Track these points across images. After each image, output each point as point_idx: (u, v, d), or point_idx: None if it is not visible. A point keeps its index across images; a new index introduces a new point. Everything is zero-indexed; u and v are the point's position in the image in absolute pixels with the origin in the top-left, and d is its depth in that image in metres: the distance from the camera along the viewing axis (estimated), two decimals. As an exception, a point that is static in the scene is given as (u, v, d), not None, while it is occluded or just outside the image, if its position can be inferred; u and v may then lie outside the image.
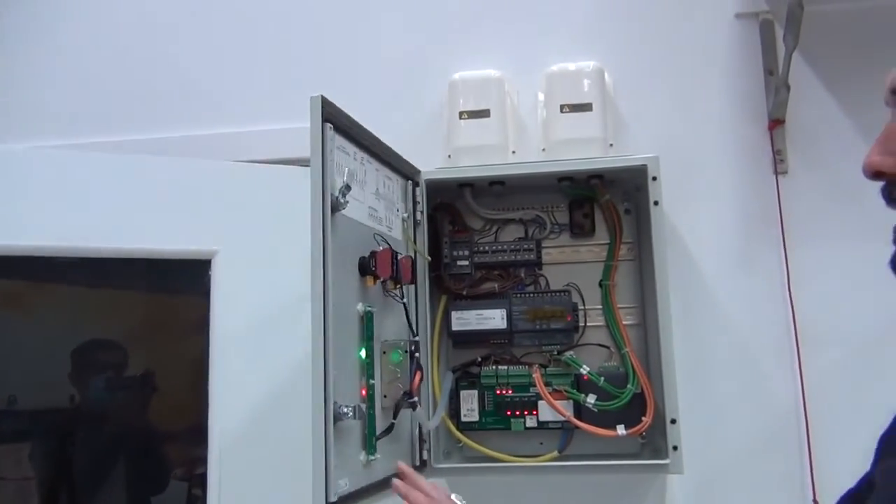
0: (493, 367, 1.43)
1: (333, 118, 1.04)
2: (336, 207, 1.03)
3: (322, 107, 1.01)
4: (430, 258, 1.39)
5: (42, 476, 1.50)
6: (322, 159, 1.00)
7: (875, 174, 0.62)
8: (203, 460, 1.39)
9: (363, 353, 1.10)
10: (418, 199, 1.37)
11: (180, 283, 1.57)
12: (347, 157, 1.10)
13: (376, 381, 1.12)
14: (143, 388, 1.56)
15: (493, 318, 1.42)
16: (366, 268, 1.11)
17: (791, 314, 1.44)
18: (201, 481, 1.40)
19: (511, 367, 1.42)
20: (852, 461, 1.43)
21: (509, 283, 1.46)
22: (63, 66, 1.73)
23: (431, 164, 1.44)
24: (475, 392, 1.43)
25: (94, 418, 1.56)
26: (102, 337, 1.57)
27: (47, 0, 1.75)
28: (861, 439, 1.41)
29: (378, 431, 1.11)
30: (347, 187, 1.03)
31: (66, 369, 1.51)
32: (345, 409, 0.98)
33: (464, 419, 1.42)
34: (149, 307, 1.64)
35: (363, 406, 1.04)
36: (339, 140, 1.07)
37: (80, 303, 1.58)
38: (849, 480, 1.39)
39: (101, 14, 1.73)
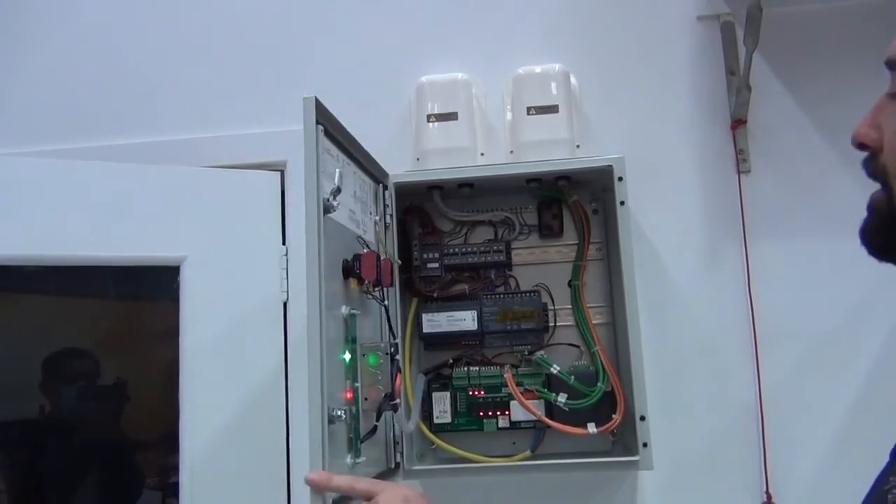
0: (465, 368, 1.44)
1: (325, 120, 1.04)
2: (327, 210, 1.03)
3: (316, 108, 1.01)
4: (400, 261, 1.39)
5: (13, 488, 1.49)
6: (316, 162, 1.00)
7: (859, 145, 0.64)
8: (176, 469, 1.38)
9: (347, 356, 1.10)
10: (387, 202, 1.38)
11: (150, 290, 1.56)
12: (333, 160, 1.10)
13: (360, 384, 1.12)
14: (115, 397, 1.55)
15: (464, 320, 1.42)
16: (350, 270, 1.11)
17: (751, 310, 1.47)
18: (175, 490, 1.39)
19: (483, 368, 1.43)
20: (806, 454, 1.48)
21: (480, 284, 1.47)
22: (28, 72, 1.71)
23: (400, 167, 1.45)
24: (447, 394, 1.43)
25: (66, 428, 1.55)
26: (73, 346, 1.56)
27: (13, 8, 1.73)
28: (816, 433, 1.47)
29: (362, 434, 1.11)
30: (338, 190, 1.04)
31: (36, 379, 1.50)
32: (338, 412, 0.99)
33: (436, 421, 1.42)
34: (119, 315, 1.63)
35: (352, 409, 1.03)
36: (326, 142, 1.08)
37: (50, 312, 1.56)
38: (802, 473, 1.43)
39: (67, 21, 1.71)
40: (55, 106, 1.68)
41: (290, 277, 1.49)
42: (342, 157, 1.16)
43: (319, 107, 1.03)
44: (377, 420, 1.14)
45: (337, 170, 1.07)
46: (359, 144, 1.22)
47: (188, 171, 1.47)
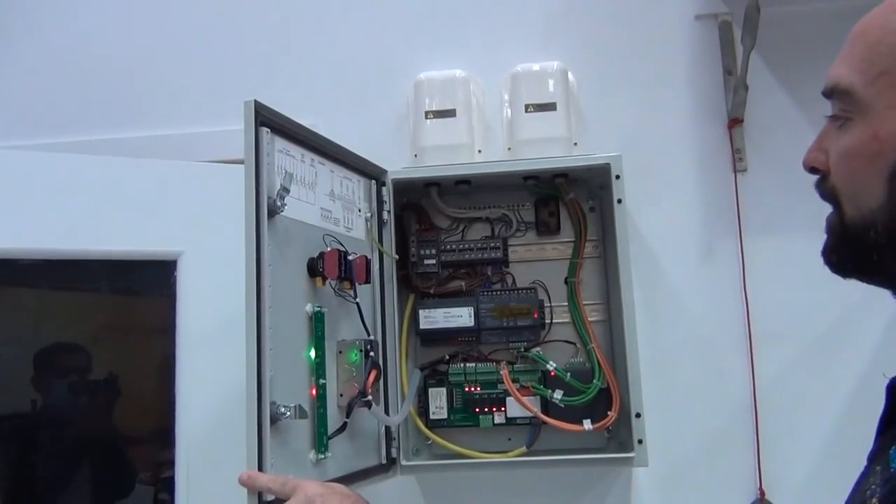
0: (461, 364, 1.44)
1: (271, 122, 1.05)
2: (273, 210, 1.03)
3: (256, 111, 1.02)
4: (397, 257, 1.39)
5: (4, 482, 1.48)
6: (256, 163, 1.01)
7: (811, 169, 0.67)
8: (169, 464, 1.38)
9: (312, 354, 1.11)
10: (385, 198, 1.37)
11: (145, 285, 1.56)
12: (292, 160, 1.11)
13: (328, 381, 1.13)
14: (108, 391, 1.54)
15: (461, 317, 1.43)
16: (314, 269, 1.12)
17: (746, 309, 1.47)
18: (167, 485, 1.38)
19: (479, 365, 1.44)
20: (799, 451, 1.49)
21: (476, 281, 1.48)
22: (23, 65, 1.70)
23: (398, 163, 1.45)
24: (443, 390, 1.43)
25: (58, 423, 1.54)
26: (66, 340, 1.55)
27: (8, 3, 1.72)
28: (809, 430, 1.47)
29: (333, 430, 1.11)
30: (285, 190, 1.04)
31: (28, 373, 1.49)
32: (282, 409, 0.99)
33: (432, 416, 1.43)
34: (113, 310, 1.62)
35: (305, 406, 1.04)
36: (282, 143, 1.08)
37: (43, 306, 1.55)
38: (795, 470, 1.44)
39: (62, 14, 1.70)
40: (50, 99, 1.68)
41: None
42: (310, 156, 1.16)
43: (263, 109, 1.03)
44: (347, 416, 1.14)
45: (285, 170, 1.07)
46: (333, 143, 1.22)
47: (185, 166, 1.46)
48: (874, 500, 0.56)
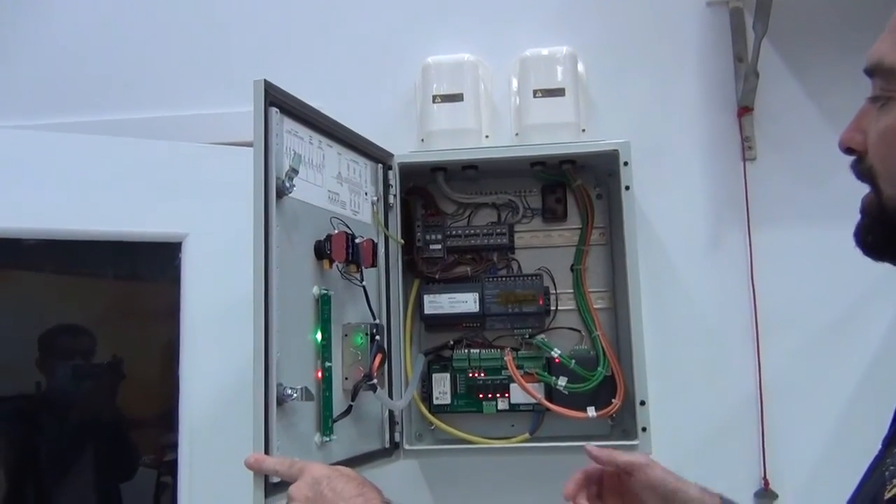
0: (466, 350, 1.43)
1: (281, 102, 1.04)
2: (282, 192, 1.03)
3: (266, 91, 1.01)
4: (402, 241, 1.39)
5: (8, 463, 1.48)
6: (265, 143, 1.00)
7: (847, 150, 0.66)
8: (172, 447, 1.38)
9: (319, 336, 1.10)
10: (391, 182, 1.37)
11: (149, 268, 1.56)
12: (301, 142, 1.10)
13: (334, 364, 1.12)
14: (111, 374, 1.54)
15: (466, 302, 1.42)
16: (321, 251, 1.11)
17: (753, 298, 1.46)
18: (170, 468, 1.39)
19: (483, 351, 1.43)
20: (804, 442, 1.49)
21: (482, 266, 1.47)
22: (26, 48, 1.69)
23: (404, 147, 1.44)
24: (447, 375, 1.43)
25: (61, 405, 1.54)
26: (70, 322, 1.55)
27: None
28: (815, 420, 1.47)
29: (338, 413, 1.11)
30: (294, 171, 1.03)
31: (32, 355, 1.49)
32: (289, 391, 0.99)
33: (436, 402, 1.42)
34: (117, 292, 1.62)
35: (311, 388, 1.03)
36: (291, 124, 1.07)
37: (48, 288, 1.55)
38: (800, 460, 1.43)
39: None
40: (57, 80, 1.67)
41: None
42: (318, 138, 1.15)
43: (273, 89, 1.02)
44: (352, 399, 1.14)
45: (294, 151, 1.06)
46: (342, 126, 1.21)
47: (190, 148, 1.46)
48: (892, 469, 0.57)
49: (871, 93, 0.64)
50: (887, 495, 0.55)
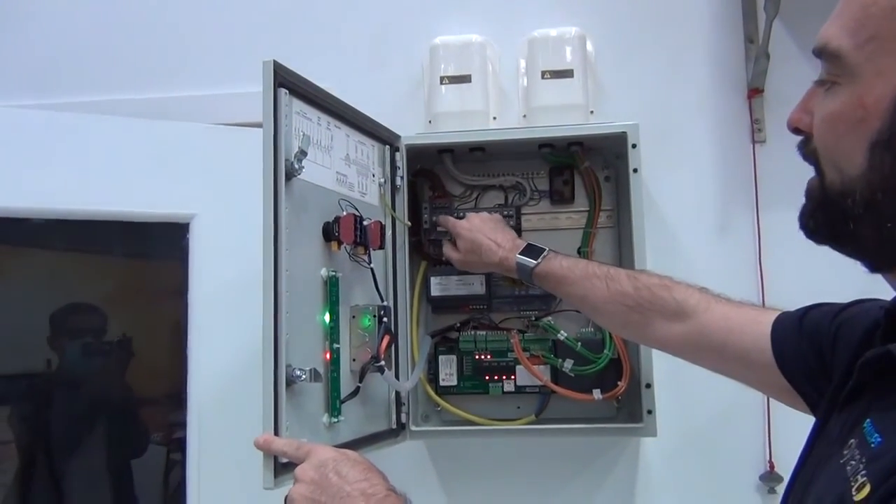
0: (472, 332, 1.44)
1: (290, 83, 1.04)
2: (291, 173, 1.03)
3: (275, 72, 1.00)
4: (409, 223, 1.39)
5: (20, 440, 1.50)
6: (275, 124, 1.00)
7: (794, 130, 0.67)
8: (181, 425, 1.39)
9: (327, 318, 1.11)
10: (398, 164, 1.36)
11: (158, 247, 1.56)
12: (309, 123, 1.10)
13: (342, 345, 1.13)
14: (121, 352, 1.56)
15: (472, 284, 1.43)
16: (329, 233, 1.11)
17: (761, 281, 1.46)
18: (180, 445, 1.40)
19: (489, 333, 1.44)
20: (809, 426, 1.48)
21: (489, 249, 1.47)
22: (35, 27, 1.69)
23: (412, 129, 1.44)
24: (454, 357, 1.44)
25: (72, 383, 1.56)
26: (81, 301, 1.56)
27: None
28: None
29: (346, 394, 1.12)
30: (302, 153, 1.03)
31: (44, 333, 1.50)
32: (298, 372, 0.99)
33: (442, 383, 1.43)
34: (127, 271, 1.63)
35: (319, 370, 1.04)
36: (300, 105, 1.07)
37: (59, 267, 1.57)
38: (804, 443, 1.42)
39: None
40: (65, 59, 1.67)
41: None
42: (327, 119, 1.15)
43: (282, 69, 1.02)
44: (360, 381, 1.14)
45: (302, 132, 1.06)
46: (350, 107, 1.21)
47: (199, 128, 1.46)
48: (861, 478, 0.54)
49: (819, 76, 0.63)
50: (857, 497, 0.53)
